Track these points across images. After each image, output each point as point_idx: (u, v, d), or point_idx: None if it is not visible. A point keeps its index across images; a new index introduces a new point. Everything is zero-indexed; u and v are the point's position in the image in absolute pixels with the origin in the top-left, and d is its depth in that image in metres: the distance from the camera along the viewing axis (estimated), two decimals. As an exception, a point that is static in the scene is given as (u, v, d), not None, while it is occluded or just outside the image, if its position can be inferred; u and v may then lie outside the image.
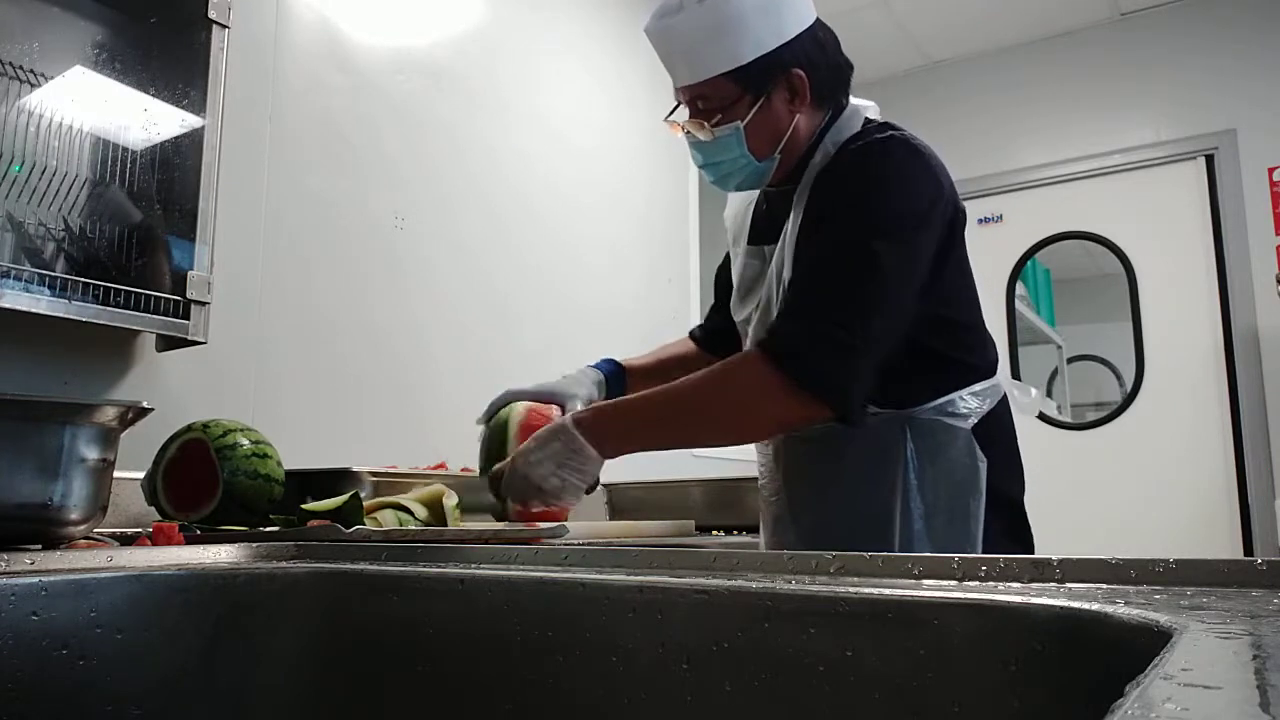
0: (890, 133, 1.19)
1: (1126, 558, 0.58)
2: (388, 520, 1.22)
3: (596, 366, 1.44)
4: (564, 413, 1.27)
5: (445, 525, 1.26)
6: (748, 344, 1.33)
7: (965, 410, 1.18)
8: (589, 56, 2.90)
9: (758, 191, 1.36)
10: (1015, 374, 4.01)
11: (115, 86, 1.44)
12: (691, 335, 1.58)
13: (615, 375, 1.44)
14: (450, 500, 1.27)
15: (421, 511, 1.28)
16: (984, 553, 1.13)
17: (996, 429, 1.22)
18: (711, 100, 1.23)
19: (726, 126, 1.22)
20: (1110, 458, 3.68)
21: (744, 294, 1.34)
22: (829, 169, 1.20)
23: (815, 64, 1.22)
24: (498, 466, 1.19)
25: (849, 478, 1.20)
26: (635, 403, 1.20)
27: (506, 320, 2.41)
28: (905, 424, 1.18)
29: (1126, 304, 3.76)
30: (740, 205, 1.40)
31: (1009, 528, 1.22)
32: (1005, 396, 1.26)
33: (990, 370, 1.24)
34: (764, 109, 1.21)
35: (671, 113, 1.30)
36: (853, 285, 1.11)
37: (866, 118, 1.27)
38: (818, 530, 1.23)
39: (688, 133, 1.26)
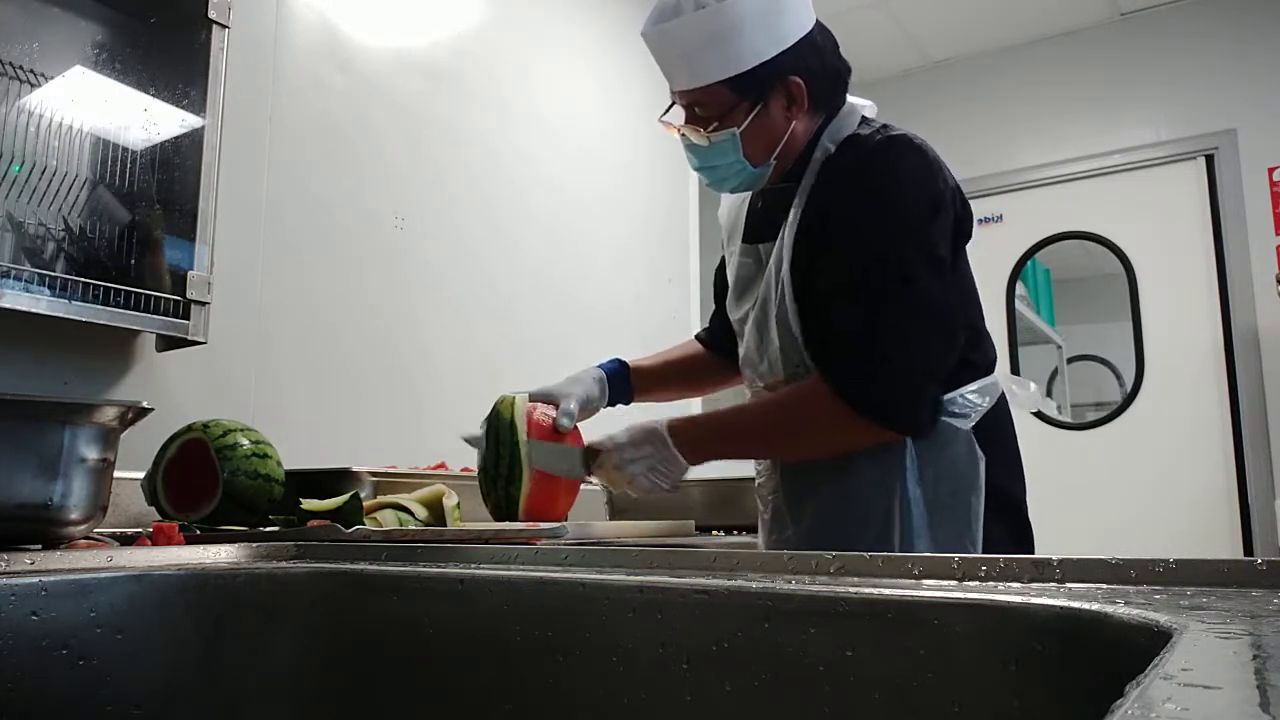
0: (891, 133, 1.19)
1: (1126, 558, 0.58)
2: (388, 520, 1.22)
3: (601, 366, 1.44)
4: (558, 409, 1.29)
5: (445, 525, 1.26)
6: (743, 344, 1.33)
7: (965, 409, 1.18)
8: (589, 56, 2.90)
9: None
10: (1015, 374, 4.01)
11: (115, 86, 1.44)
12: (698, 338, 1.58)
13: (619, 374, 1.44)
14: (450, 500, 1.27)
15: (421, 511, 1.28)
16: (985, 552, 1.13)
17: (997, 429, 1.22)
18: (708, 107, 1.22)
19: (723, 133, 1.22)
20: (1110, 458, 3.68)
21: (740, 293, 1.33)
22: (830, 169, 1.20)
23: (813, 70, 1.22)
24: (601, 458, 1.25)
25: (848, 476, 1.20)
26: (722, 416, 1.29)
27: (506, 320, 2.41)
28: (906, 423, 1.18)
29: (1126, 304, 3.76)
30: (734, 204, 1.40)
31: (1010, 528, 1.22)
32: (1004, 396, 1.26)
33: (989, 368, 1.24)
34: (761, 116, 1.21)
35: (666, 112, 1.29)
36: (896, 304, 1.12)
37: (863, 116, 1.26)
38: (817, 529, 1.23)
39: (683, 136, 1.26)
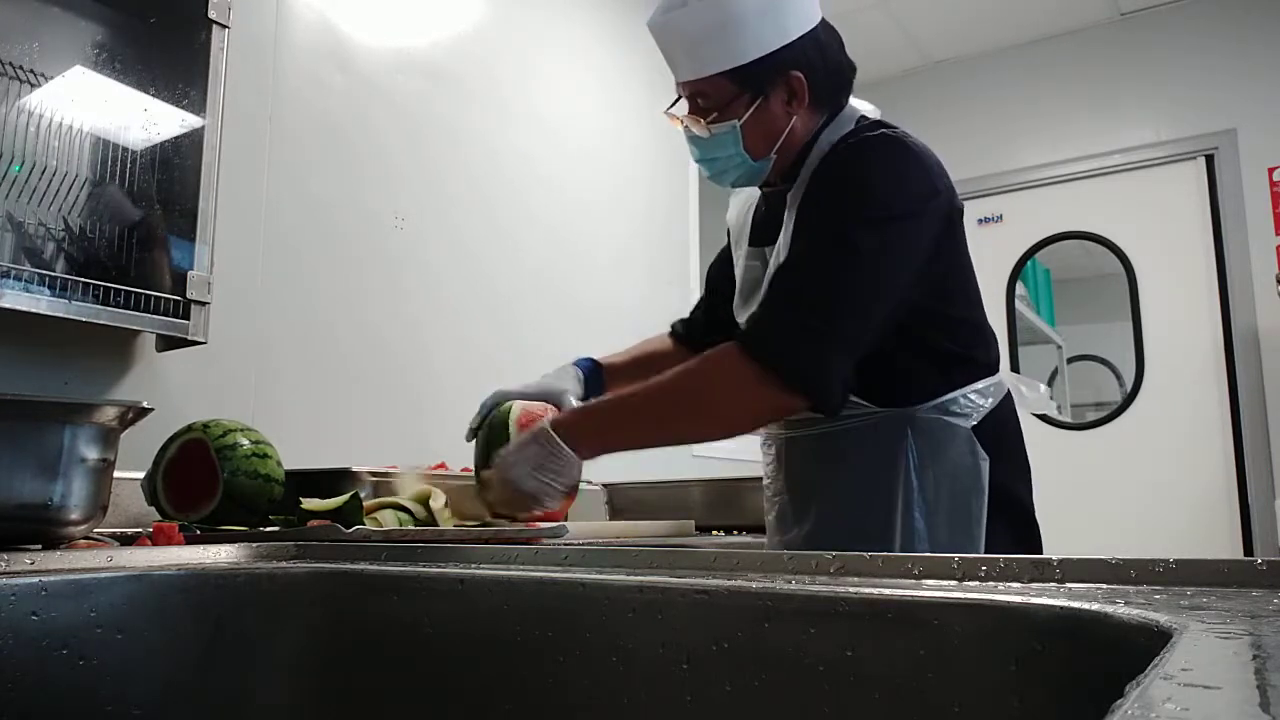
0: (881, 130, 1.19)
1: (1126, 558, 0.58)
2: (387, 520, 1.22)
3: (576, 364, 1.44)
4: (560, 410, 1.28)
5: (442, 525, 1.26)
6: None
7: (967, 408, 1.18)
8: (589, 56, 2.90)
9: (758, 193, 1.36)
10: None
11: (115, 86, 1.44)
12: (672, 330, 1.56)
13: (593, 373, 1.44)
14: (437, 501, 1.27)
15: (420, 511, 1.28)
16: (989, 553, 1.13)
17: (1002, 429, 1.22)
18: (710, 97, 1.23)
19: (723, 124, 1.23)
20: (1110, 458, 3.68)
21: (746, 296, 1.34)
22: (821, 168, 1.21)
23: (814, 67, 1.22)
24: (484, 474, 1.19)
25: (851, 477, 1.20)
26: (611, 402, 1.22)
27: (506, 320, 2.41)
28: (907, 423, 1.17)
29: (1126, 304, 3.76)
30: (742, 207, 1.40)
31: (1016, 529, 1.21)
32: (1009, 397, 1.25)
33: (993, 368, 1.24)
34: (761, 109, 1.22)
35: (672, 105, 1.30)
36: (829, 273, 1.11)
37: (861, 116, 1.27)
38: (820, 529, 1.23)
39: (686, 128, 1.27)
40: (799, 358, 1.09)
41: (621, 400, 1.21)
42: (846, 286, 1.10)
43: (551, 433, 1.14)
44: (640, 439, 1.23)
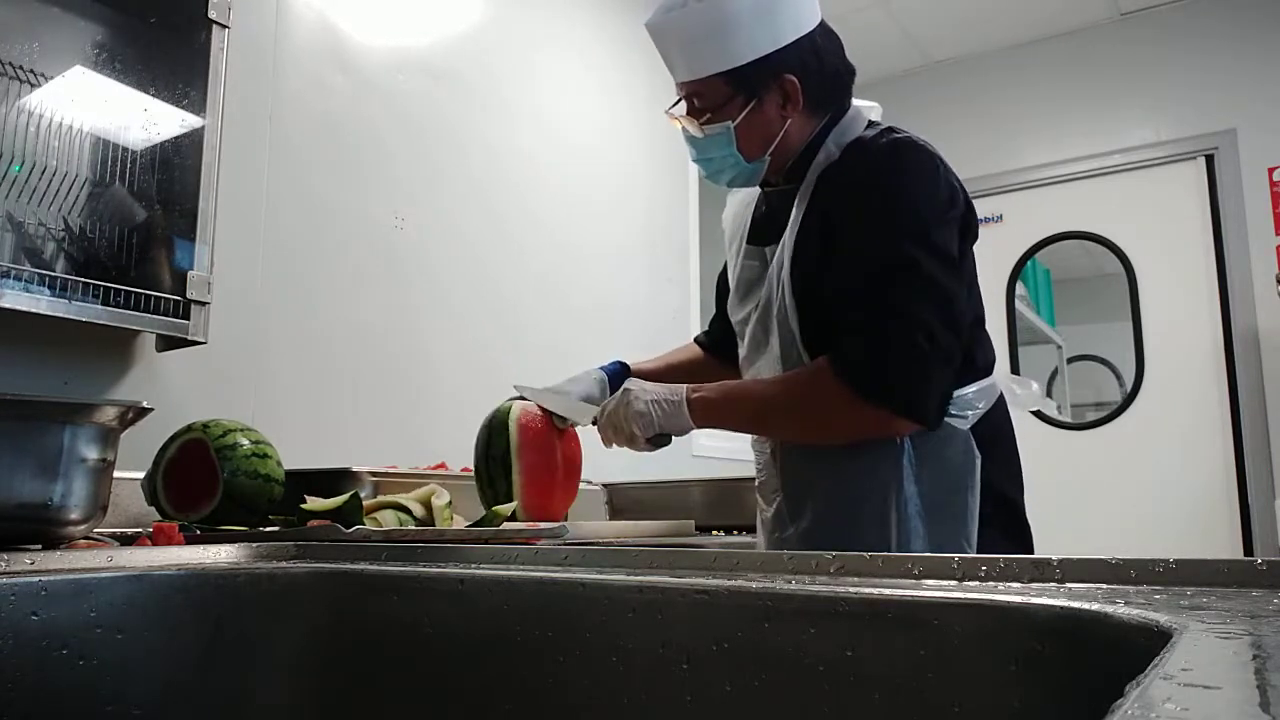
0: (896, 135, 1.19)
1: (1126, 558, 0.58)
2: (388, 520, 1.22)
3: (603, 368, 1.45)
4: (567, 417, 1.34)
5: (442, 525, 1.26)
6: (743, 345, 1.34)
7: (964, 409, 1.18)
8: (589, 55, 2.90)
9: (757, 192, 1.36)
10: (1015, 374, 4.01)
11: (115, 86, 1.44)
12: (698, 341, 1.59)
13: (620, 376, 1.44)
14: (440, 500, 1.27)
15: (420, 510, 1.28)
16: (981, 552, 1.13)
17: (995, 431, 1.22)
18: (705, 98, 1.24)
19: (717, 125, 1.24)
20: (1110, 458, 3.68)
21: (743, 294, 1.34)
22: (834, 171, 1.21)
23: (809, 70, 1.23)
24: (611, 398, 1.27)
25: (846, 475, 1.20)
26: (735, 387, 1.29)
27: (506, 320, 2.41)
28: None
29: (1126, 304, 3.76)
30: (739, 206, 1.41)
31: (1008, 529, 1.22)
32: (1003, 399, 1.26)
33: (988, 370, 1.24)
34: (755, 111, 1.23)
35: (673, 105, 1.30)
36: (903, 293, 1.11)
37: (869, 120, 1.27)
38: (815, 527, 1.23)
39: (683, 128, 1.28)
40: (909, 388, 1.11)
41: (741, 389, 1.29)
42: (922, 303, 1.11)
43: (683, 390, 1.22)
44: (745, 426, 1.31)
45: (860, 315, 1.13)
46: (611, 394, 1.42)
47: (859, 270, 1.15)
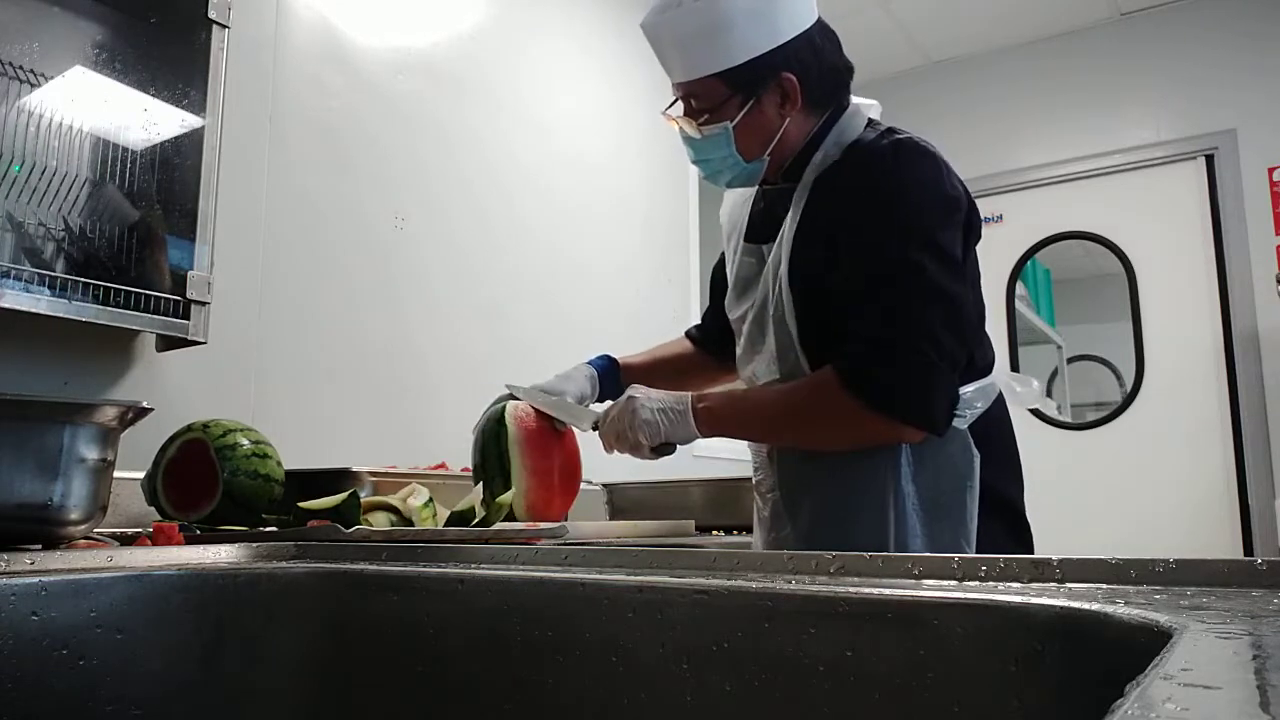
0: (898, 137, 1.18)
1: (1126, 558, 0.58)
2: (379, 522, 1.21)
3: (591, 363, 1.45)
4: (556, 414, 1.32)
5: (435, 525, 1.26)
6: (740, 343, 1.33)
7: (965, 408, 1.18)
8: (589, 57, 2.90)
9: (754, 189, 1.36)
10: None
11: (115, 86, 1.44)
12: (688, 335, 1.58)
13: (609, 372, 1.44)
14: (417, 500, 1.26)
15: (409, 509, 1.27)
16: (981, 551, 1.13)
17: (995, 431, 1.22)
18: (702, 99, 1.23)
19: (715, 126, 1.23)
20: (1110, 458, 3.68)
21: (740, 292, 1.33)
22: (834, 172, 1.20)
23: (808, 68, 1.22)
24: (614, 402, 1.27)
25: (844, 474, 1.20)
26: (740, 395, 1.30)
27: (506, 320, 2.41)
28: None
29: (1126, 304, 3.76)
30: (736, 203, 1.40)
31: (1008, 529, 1.21)
32: (1002, 398, 1.26)
33: (987, 370, 1.24)
34: (753, 111, 1.22)
35: (669, 106, 1.30)
36: (907, 301, 1.11)
37: (870, 119, 1.26)
38: (813, 527, 1.23)
39: (681, 128, 1.27)
40: (917, 398, 1.11)
41: (747, 396, 1.30)
42: (927, 309, 1.11)
43: (688, 398, 1.22)
44: (750, 435, 1.30)
45: (865, 322, 1.13)
46: (601, 389, 1.42)
47: (863, 275, 1.14)
